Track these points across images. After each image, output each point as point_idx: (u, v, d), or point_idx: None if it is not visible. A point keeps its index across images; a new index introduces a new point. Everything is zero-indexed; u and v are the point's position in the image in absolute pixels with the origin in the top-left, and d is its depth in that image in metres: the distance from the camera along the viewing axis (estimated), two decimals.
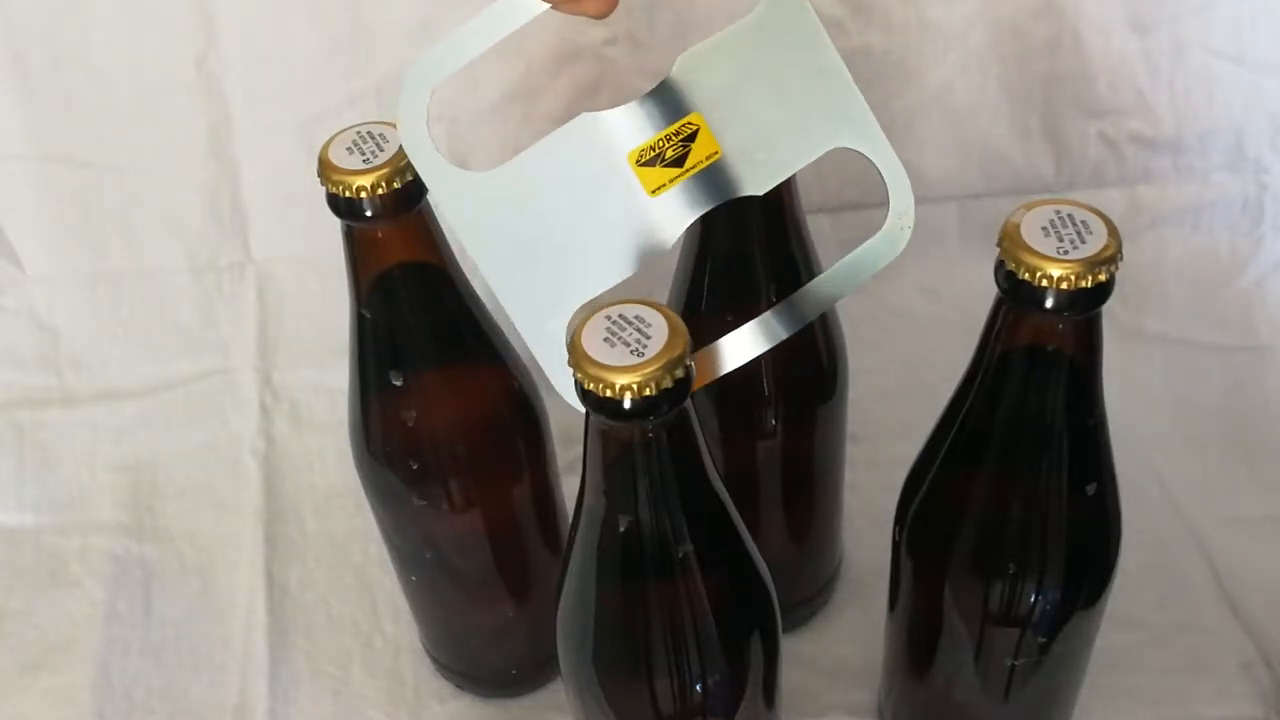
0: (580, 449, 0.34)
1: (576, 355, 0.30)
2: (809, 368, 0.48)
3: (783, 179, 0.35)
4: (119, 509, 0.63)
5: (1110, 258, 0.32)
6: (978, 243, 0.69)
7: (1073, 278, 0.32)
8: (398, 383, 0.43)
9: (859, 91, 0.36)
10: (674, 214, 0.35)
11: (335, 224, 0.39)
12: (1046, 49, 0.66)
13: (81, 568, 0.60)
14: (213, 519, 0.62)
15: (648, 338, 0.30)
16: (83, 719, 0.54)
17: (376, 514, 0.48)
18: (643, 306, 0.31)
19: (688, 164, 0.34)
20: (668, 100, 0.34)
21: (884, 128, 0.75)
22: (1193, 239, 0.69)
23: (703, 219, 0.44)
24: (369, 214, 0.38)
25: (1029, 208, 0.34)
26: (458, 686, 0.54)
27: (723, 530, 0.36)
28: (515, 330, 0.35)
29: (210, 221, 0.67)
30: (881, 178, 0.36)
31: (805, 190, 0.44)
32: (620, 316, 0.31)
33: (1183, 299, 0.68)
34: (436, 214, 0.39)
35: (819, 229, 0.68)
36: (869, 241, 0.37)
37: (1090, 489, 0.38)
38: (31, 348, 0.67)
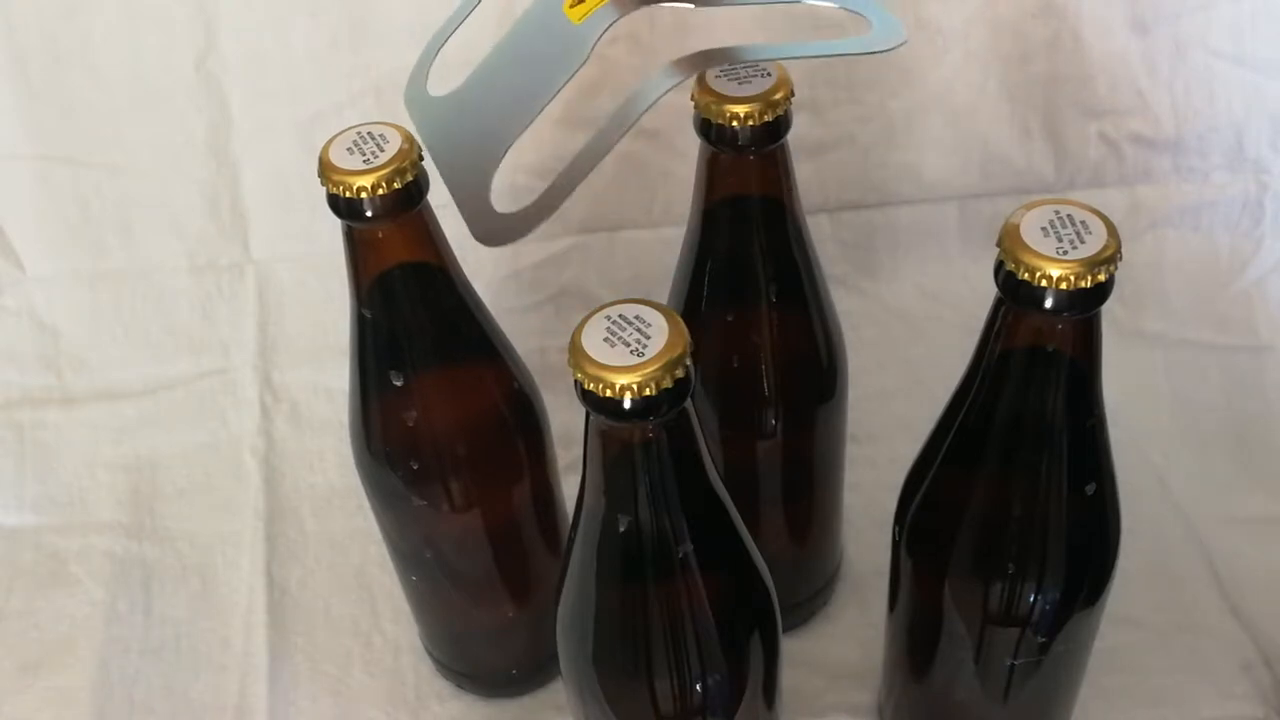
0: (580, 449, 0.34)
1: (576, 355, 0.30)
2: (809, 368, 0.48)
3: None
4: (119, 509, 0.63)
5: (1110, 258, 0.32)
6: (978, 243, 0.69)
7: (1072, 278, 0.32)
8: (398, 383, 0.43)
9: None
10: (592, 27, 0.36)
11: (335, 224, 0.39)
12: (1046, 49, 0.66)
13: (81, 568, 0.60)
14: (213, 519, 0.62)
15: (648, 338, 0.30)
16: (83, 719, 0.54)
17: (376, 514, 0.48)
18: (643, 306, 0.31)
19: None
20: None
21: (883, 128, 0.75)
22: (1193, 239, 0.69)
23: (703, 219, 0.44)
24: (369, 214, 0.38)
25: (1029, 208, 0.34)
26: (458, 686, 0.54)
27: (723, 530, 0.36)
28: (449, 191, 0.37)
29: (210, 221, 0.67)
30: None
31: (805, 190, 0.44)
32: (620, 316, 0.31)
33: (1183, 299, 0.68)
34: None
35: (819, 229, 0.69)
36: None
37: (1090, 489, 0.38)
38: (31, 348, 0.67)
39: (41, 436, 0.65)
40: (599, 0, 0.36)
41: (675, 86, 0.33)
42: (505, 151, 0.35)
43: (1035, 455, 0.38)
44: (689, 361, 0.30)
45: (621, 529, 0.34)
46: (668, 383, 0.30)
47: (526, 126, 0.35)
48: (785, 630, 0.54)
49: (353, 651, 0.56)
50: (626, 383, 0.29)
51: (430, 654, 0.54)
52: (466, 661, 0.53)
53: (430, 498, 0.45)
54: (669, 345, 0.30)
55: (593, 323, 0.31)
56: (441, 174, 0.37)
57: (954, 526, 0.40)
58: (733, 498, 0.36)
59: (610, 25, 0.36)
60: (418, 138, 0.38)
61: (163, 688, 0.55)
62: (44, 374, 0.67)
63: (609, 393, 0.30)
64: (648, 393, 0.30)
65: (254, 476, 0.63)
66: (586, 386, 0.30)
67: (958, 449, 0.40)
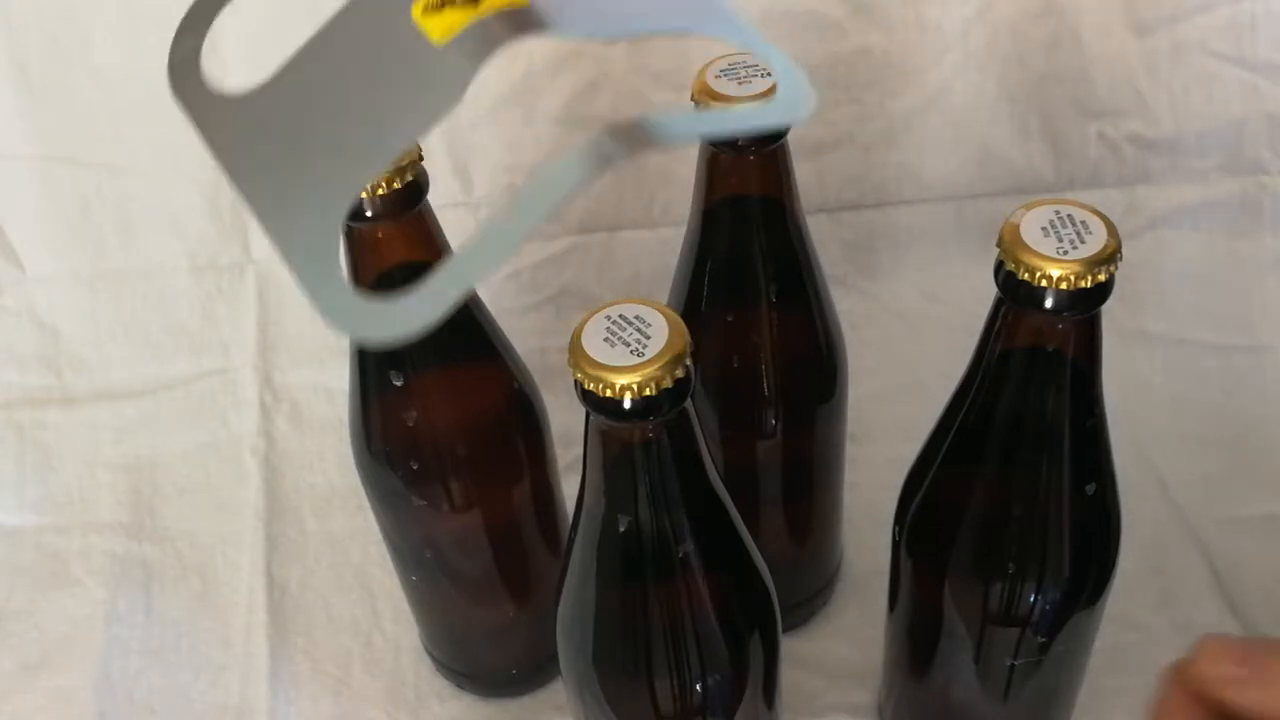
0: (580, 449, 0.34)
1: (576, 355, 0.30)
2: (809, 368, 0.48)
3: (609, 37, 0.28)
4: (119, 509, 0.63)
5: (1110, 258, 0.32)
6: (977, 243, 0.69)
7: (1072, 278, 0.32)
8: (398, 383, 0.43)
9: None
10: (466, 56, 0.26)
11: None
12: (1046, 49, 0.66)
13: (82, 568, 0.60)
14: (213, 519, 0.62)
15: (648, 338, 0.30)
16: (83, 719, 0.54)
17: (377, 514, 0.48)
18: (643, 306, 0.31)
19: (483, 5, 0.27)
20: None
21: (883, 128, 0.75)
22: (1192, 239, 0.69)
23: (703, 219, 0.44)
24: (369, 214, 0.38)
25: (1028, 208, 0.34)
26: (458, 686, 0.54)
27: (723, 530, 0.36)
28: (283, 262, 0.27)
29: (210, 221, 0.67)
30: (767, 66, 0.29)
31: (805, 190, 0.44)
32: (620, 316, 0.31)
33: (1183, 299, 0.68)
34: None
35: (819, 229, 0.68)
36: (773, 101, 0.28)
37: (1090, 489, 0.38)
38: (31, 348, 0.67)
39: (41, 436, 0.65)
40: (467, 16, 0.27)
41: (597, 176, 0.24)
42: (351, 203, 0.27)
43: (1035, 455, 0.38)
44: (689, 361, 0.30)
45: (621, 529, 0.34)
46: (668, 383, 0.30)
47: (381, 170, 0.27)
48: (785, 630, 0.54)
49: (353, 651, 0.56)
50: (627, 383, 0.29)
51: (430, 654, 0.54)
52: (466, 661, 0.53)
53: (430, 498, 0.45)
54: (669, 345, 0.30)
55: (593, 323, 0.31)
56: (262, 222, 0.27)
57: (954, 526, 0.40)
58: (733, 498, 0.36)
59: (488, 59, 0.26)
60: (203, 145, 0.30)
61: (163, 688, 0.55)
62: (44, 374, 0.67)
63: (609, 393, 0.30)
64: (648, 393, 0.30)
65: (254, 476, 0.63)
66: (586, 386, 0.30)
67: (958, 449, 0.40)
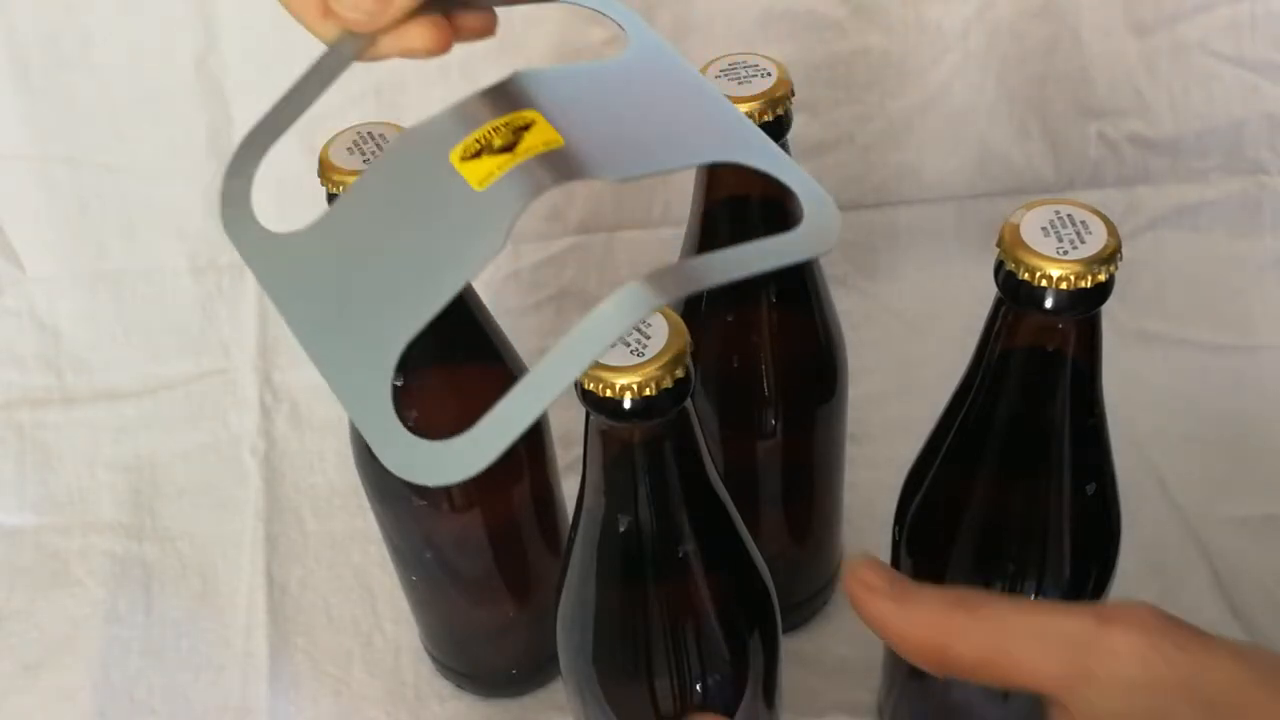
0: (580, 449, 0.34)
1: None
2: (809, 368, 0.48)
3: (648, 174, 0.29)
4: (119, 509, 0.63)
5: (1110, 257, 0.32)
6: (977, 243, 0.69)
7: (1072, 278, 0.32)
8: (398, 383, 0.42)
9: (749, 120, 0.31)
10: (504, 202, 0.27)
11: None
12: (1046, 49, 0.66)
13: (82, 568, 0.60)
14: (213, 519, 0.62)
15: (647, 337, 0.30)
16: (83, 719, 0.54)
17: (377, 514, 0.48)
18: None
19: (519, 150, 0.28)
20: (498, 99, 0.29)
21: (883, 128, 0.75)
22: (1192, 239, 0.69)
23: (702, 219, 0.44)
24: None
25: (1028, 208, 0.34)
26: (458, 686, 0.54)
27: (723, 530, 0.36)
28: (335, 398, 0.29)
29: (210, 222, 0.67)
30: (791, 189, 0.30)
31: None
32: None
33: (1183, 299, 0.68)
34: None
35: None
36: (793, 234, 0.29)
37: (1090, 489, 0.38)
38: (31, 348, 0.67)
39: (41, 436, 0.65)
40: (503, 162, 0.28)
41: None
42: (400, 352, 0.27)
43: (1035, 455, 0.38)
44: (689, 361, 0.30)
45: (621, 529, 0.34)
46: (668, 383, 0.30)
47: (429, 319, 0.27)
48: (785, 630, 0.54)
49: (353, 651, 0.56)
50: (627, 383, 0.29)
51: (430, 654, 0.54)
52: (466, 661, 0.53)
53: (430, 498, 0.45)
54: (669, 345, 0.30)
55: None
56: (317, 365, 0.29)
57: (954, 526, 0.40)
58: (733, 498, 0.36)
59: (528, 204, 0.27)
60: (260, 285, 0.30)
61: (163, 688, 0.55)
62: (44, 374, 0.67)
63: (609, 393, 0.30)
64: (648, 393, 0.29)
65: (254, 476, 0.63)
66: (586, 386, 0.30)
67: (958, 449, 0.40)
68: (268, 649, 0.56)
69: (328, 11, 0.31)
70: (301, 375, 0.67)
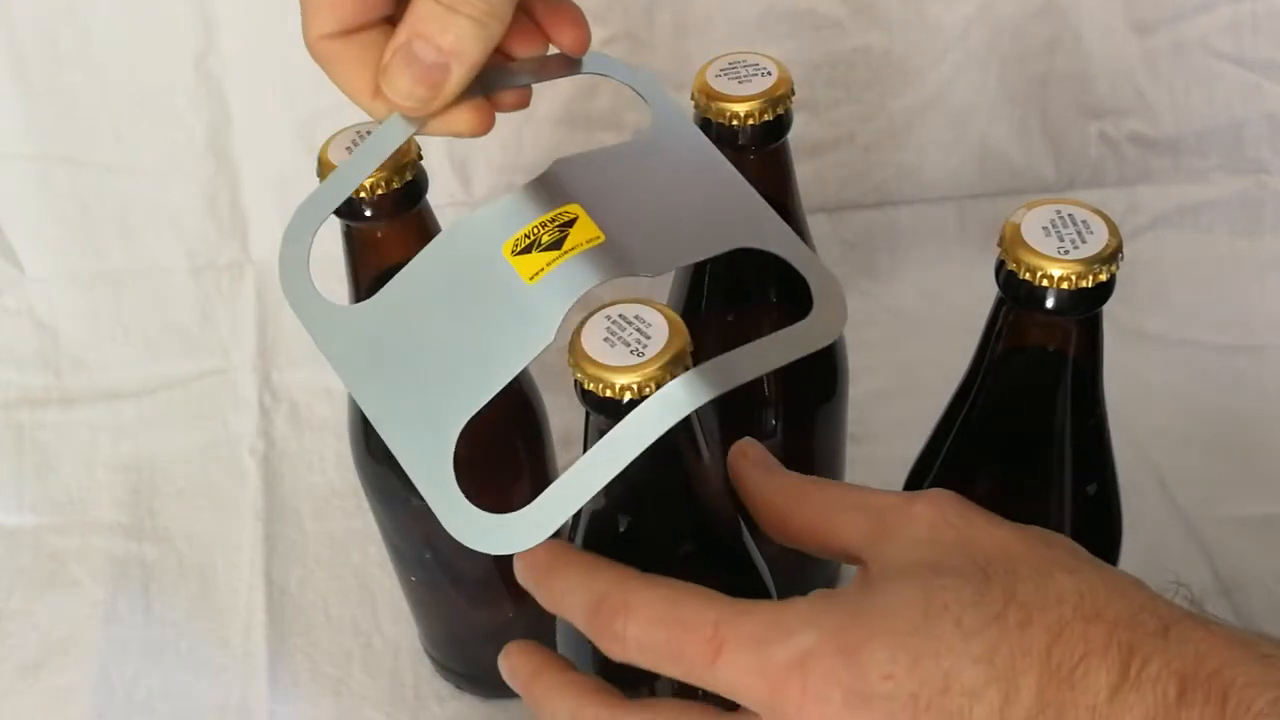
0: (580, 449, 0.34)
1: (576, 355, 0.30)
2: (809, 368, 0.47)
3: (680, 265, 0.33)
4: (119, 509, 0.62)
5: (1111, 257, 0.32)
6: (978, 243, 0.69)
7: (1073, 277, 0.32)
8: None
9: (760, 197, 0.34)
10: (553, 298, 0.31)
11: (335, 224, 0.39)
12: (1046, 49, 0.66)
13: (81, 568, 0.60)
14: (212, 519, 0.62)
15: (648, 337, 0.30)
16: (83, 719, 0.54)
17: (376, 514, 0.48)
18: (642, 306, 0.31)
19: (566, 247, 0.31)
20: (542, 193, 0.32)
21: (883, 128, 0.75)
22: (1193, 239, 0.69)
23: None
24: (368, 214, 0.38)
25: (1029, 207, 0.33)
26: (457, 687, 0.54)
27: (723, 530, 0.36)
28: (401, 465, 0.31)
29: (210, 221, 0.67)
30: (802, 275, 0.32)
31: (805, 190, 0.44)
32: (620, 316, 0.31)
33: (1183, 299, 0.68)
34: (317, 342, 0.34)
35: (819, 229, 0.69)
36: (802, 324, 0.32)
37: (1091, 489, 0.38)
38: (31, 348, 0.67)
39: (41, 436, 0.65)
40: (552, 259, 0.31)
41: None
42: (458, 431, 0.30)
43: (1036, 455, 0.38)
44: (689, 361, 0.30)
45: (622, 529, 0.34)
46: (667, 381, 0.30)
47: (484, 402, 0.30)
48: None
49: (352, 652, 0.56)
50: (626, 382, 0.29)
51: (430, 655, 0.54)
52: (466, 662, 0.53)
53: None
54: (669, 344, 0.30)
55: (592, 322, 0.31)
56: (382, 432, 0.30)
57: None
58: (733, 498, 0.36)
59: (575, 299, 0.30)
60: (325, 356, 0.32)
61: (162, 688, 0.55)
62: (44, 374, 0.67)
63: (609, 393, 0.30)
64: (647, 393, 0.29)
65: (253, 477, 0.63)
66: (586, 386, 0.30)
67: (958, 449, 0.40)
68: (267, 649, 0.56)
69: (379, 93, 0.32)
70: (301, 375, 0.67)
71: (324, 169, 0.38)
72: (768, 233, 0.33)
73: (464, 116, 0.33)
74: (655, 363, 0.29)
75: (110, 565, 0.60)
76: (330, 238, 0.40)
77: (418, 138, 0.35)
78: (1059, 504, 0.38)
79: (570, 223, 0.32)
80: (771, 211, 0.33)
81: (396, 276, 0.32)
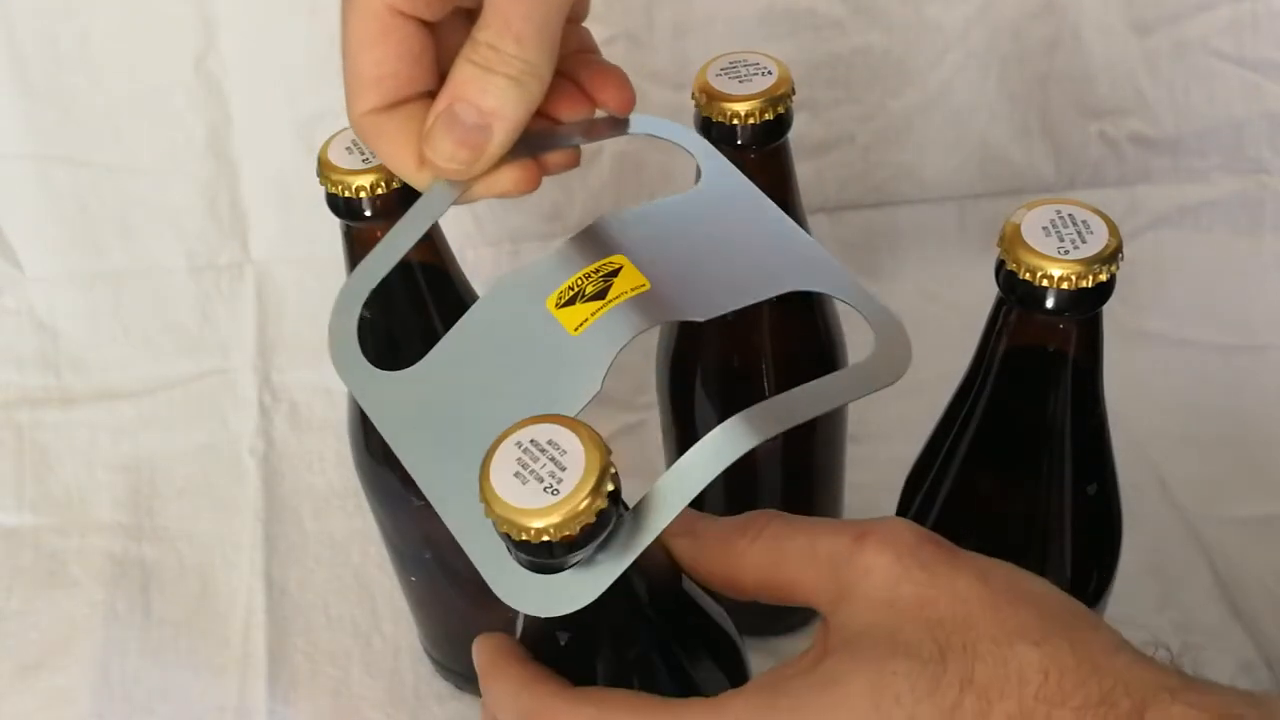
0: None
1: (485, 494, 0.27)
2: (809, 367, 0.48)
3: (730, 309, 0.31)
4: (118, 509, 0.62)
5: (1111, 257, 0.32)
6: (978, 243, 0.69)
7: (1073, 277, 0.32)
8: None
9: (816, 243, 0.33)
10: (599, 347, 0.30)
11: (335, 224, 0.39)
12: (1046, 49, 0.66)
13: (80, 568, 0.60)
14: (212, 519, 0.62)
15: (562, 468, 0.26)
16: (82, 719, 0.54)
17: (376, 514, 0.48)
18: (557, 426, 0.27)
19: (610, 296, 0.31)
20: (586, 246, 0.32)
21: (884, 128, 0.75)
22: (1193, 239, 0.69)
23: None
24: (368, 214, 0.38)
25: (1029, 207, 0.33)
26: (457, 687, 0.54)
27: (670, 606, 0.33)
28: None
29: (209, 221, 0.67)
30: (863, 315, 0.33)
31: (805, 190, 0.44)
32: (532, 443, 0.27)
33: (1183, 299, 0.68)
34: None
35: (819, 229, 0.69)
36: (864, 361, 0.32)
37: (1091, 489, 0.38)
38: (31, 348, 0.67)
39: (41, 436, 0.65)
40: (596, 308, 0.30)
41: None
42: None
43: (1036, 455, 0.38)
44: (611, 486, 0.26)
45: (561, 643, 0.33)
46: (589, 518, 0.26)
47: None
48: (783, 632, 0.54)
49: (352, 652, 0.56)
50: (543, 525, 0.26)
51: (429, 655, 0.54)
52: (466, 662, 0.53)
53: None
54: (585, 477, 0.26)
55: (501, 453, 0.27)
56: (430, 498, 0.30)
57: (955, 527, 0.40)
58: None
59: (619, 352, 0.30)
60: (377, 426, 0.31)
61: (162, 688, 0.55)
62: (43, 374, 0.67)
63: (525, 536, 0.26)
64: (567, 534, 0.26)
65: (253, 477, 0.63)
66: (501, 529, 0.27)
67: (958, 449, 0.39)
68: (266, 650, 0.56)
69: (424, 162, 0.32)
70: (300, 376, 0.67)
71: (324, 169, 0.38)
72: (822, 276, 0.32)
73: (510, 176, 0.33)
74: (571, 501, 0.26)
75: (110, 565, 0.60)
76: (330, 238, 0.40)
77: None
78: (1059, 504, 0.38)
79: (615, 272, 0.31)
80: (828, 255, 0.33)
81: (444, 338, 0.32)
